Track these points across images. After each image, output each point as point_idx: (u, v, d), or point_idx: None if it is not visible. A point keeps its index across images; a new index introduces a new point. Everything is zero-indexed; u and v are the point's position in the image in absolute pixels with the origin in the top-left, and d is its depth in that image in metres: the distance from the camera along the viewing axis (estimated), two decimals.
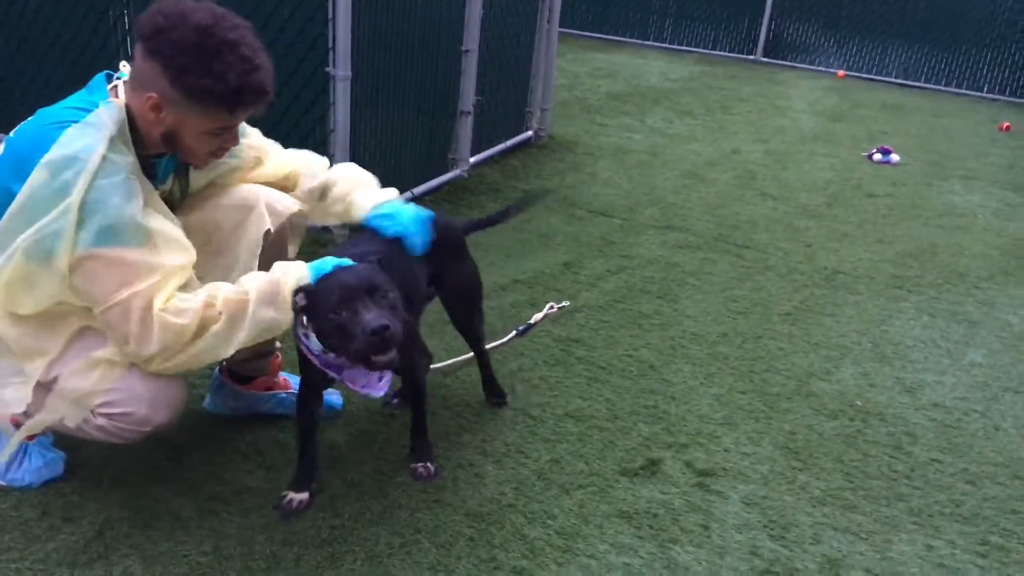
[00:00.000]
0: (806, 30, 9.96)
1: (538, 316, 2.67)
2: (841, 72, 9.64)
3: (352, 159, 3.61)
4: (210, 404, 2.41)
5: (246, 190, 2.15)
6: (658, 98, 7.47)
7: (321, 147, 3.50)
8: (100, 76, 1.85)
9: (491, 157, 5.03)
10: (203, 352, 1.81)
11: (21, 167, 1.72)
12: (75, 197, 1.68)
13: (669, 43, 10.44)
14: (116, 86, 1.84)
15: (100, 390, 1.83)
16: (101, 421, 1.86)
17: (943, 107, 8.36)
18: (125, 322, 1.74)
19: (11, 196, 1.73)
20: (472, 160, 4.70)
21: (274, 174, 2.23)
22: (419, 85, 4.11)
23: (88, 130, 1.74)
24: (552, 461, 2.38)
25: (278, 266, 1.87)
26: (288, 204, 2.18)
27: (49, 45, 4.12)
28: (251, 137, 2.15)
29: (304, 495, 2.09)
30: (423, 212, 2.19)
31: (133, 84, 1.81)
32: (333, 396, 2.47)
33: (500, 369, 2.80)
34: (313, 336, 1.87)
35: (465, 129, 4.53)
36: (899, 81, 9.49)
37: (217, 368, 2.36)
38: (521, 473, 2.32)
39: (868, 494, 2.37)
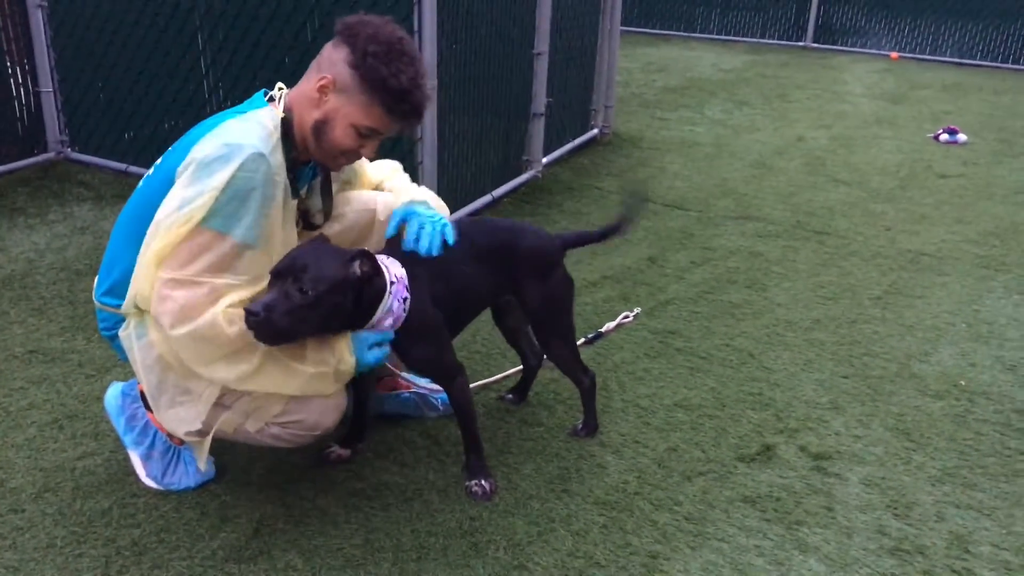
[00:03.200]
0: (856, 13, 9.87)
1: (610, 325, 2.63)
2: (895, 54, 9.54)
3: (438, 165, 3.72)
4: None
5: (366, 195, 2.26)
6: (714, 90, 7.48)
7: (409, 154, 3.61)
8: (260, 92, 1.98)
9: (561, 157, 5.10)
10: (221, 369, 1.86)
11: (184, 152, 1.87)
12: (217, 182, 1.79)
13: (717, 34, 10.42)
14: (272, 98, 1.96)
15: (279, 402, 1.95)
16: (275, 430, 1.98)
17: (1003, 84, 8.24)
18: (180, 298, 1.79)
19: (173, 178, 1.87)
20: (544, 161, 4.78)
21: (368, 184, 2.36)
22: (496, 90, 4.20)
23: (246, 124, 1.86)
24: (669, 450, 2.45)
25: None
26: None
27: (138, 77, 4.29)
28: None
29: (347, 451, 2.34)
30: (439, 221, 2.10)
31: (309, 73, 1.94)
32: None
33: (603, 363, 2.87)
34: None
35: (537, 131, 4.61)
36: (955, 60, 9.36)
37: None
38: (641, 462, 2.39)
39: (985, 472, 2.40)
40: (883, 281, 3.62)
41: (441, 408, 2.51)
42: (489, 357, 2.88)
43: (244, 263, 1.84)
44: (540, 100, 4.54)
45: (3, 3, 4.28)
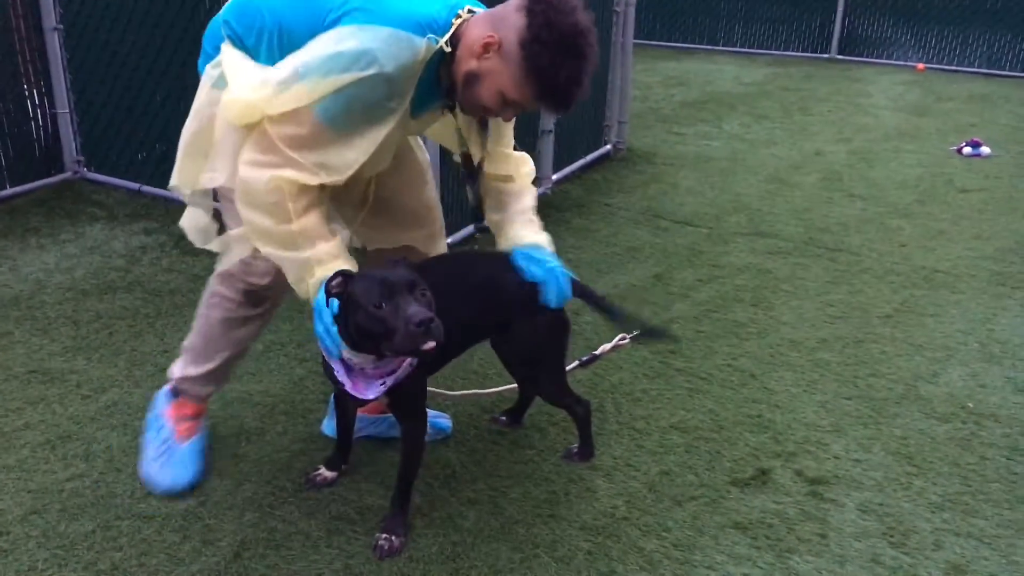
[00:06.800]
0: (881, 24, 9.74)
1: (606, 347, 2.55)
2: (921, 65, 9.40)
3: (441, 183, 3.70)
4: (327, 428, 2.51)
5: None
6: (733, 103, 7.42)
7: None
8: None
9: (572, 173, 5.08)
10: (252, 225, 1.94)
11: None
12: (337, 83, 1.81)
13: (740, 47, 10.34)
14: (461, 17, 1.91)
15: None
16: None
17: None
18: (263, 151, 1.87)
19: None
20: (554, 177, 4.76)
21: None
22: None
23: (398, 43, 1.82)
24: (661, 473, 2.41)
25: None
26: None
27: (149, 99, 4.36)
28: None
29: (332, 473, 2.32)
30: (564, 270, 2.18)
31: (490, 17, 1.90)
32: (442, 420, 2.55)
33: (600, 384, 2.84)
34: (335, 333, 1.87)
35: (546, 147, 4.60)
36: (983, 71, 9.20)
37: (333, 393, 2.45)
38: (632, 486, 2.35)
39: (988, 498, 2.32)
40: (894, 299, 3.55)
41: (429, 433, 2.49)
42: (486, 378, 2.86)
43: (324, 149, 1.87)
44: (548, 117, 4.53)
45: (19, 26, 4.36)
